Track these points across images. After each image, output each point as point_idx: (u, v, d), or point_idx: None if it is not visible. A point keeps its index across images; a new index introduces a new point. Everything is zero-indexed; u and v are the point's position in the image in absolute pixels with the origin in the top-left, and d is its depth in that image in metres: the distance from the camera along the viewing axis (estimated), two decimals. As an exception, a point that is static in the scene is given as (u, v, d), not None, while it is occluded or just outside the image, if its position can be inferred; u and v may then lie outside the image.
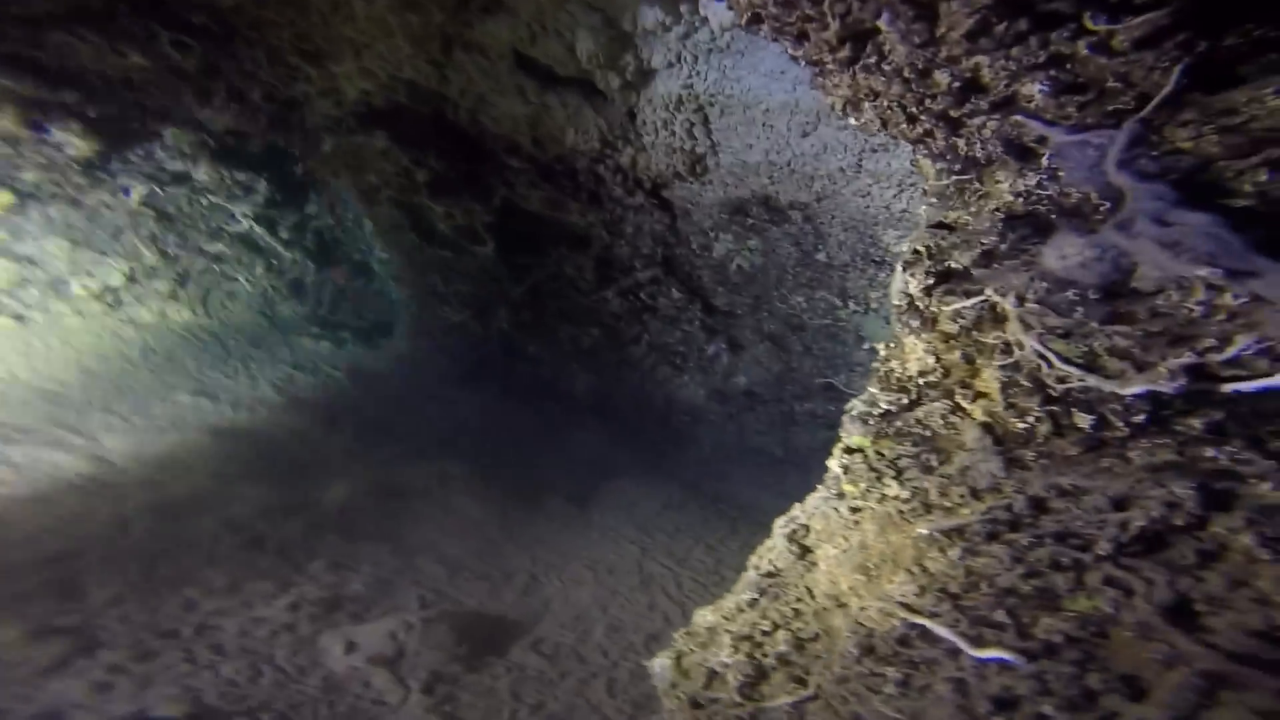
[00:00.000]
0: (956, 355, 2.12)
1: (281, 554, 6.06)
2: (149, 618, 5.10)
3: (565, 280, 7.87)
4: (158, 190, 8.72)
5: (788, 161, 5.16)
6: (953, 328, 2.13)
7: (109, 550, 5.71)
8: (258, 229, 9.52)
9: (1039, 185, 1.66)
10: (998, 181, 1.85)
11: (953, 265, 2.14)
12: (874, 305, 5.85)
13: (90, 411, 7.78)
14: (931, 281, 2.20)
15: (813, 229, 5.70)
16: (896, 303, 2.37)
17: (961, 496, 2.11)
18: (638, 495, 7.65)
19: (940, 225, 2.20)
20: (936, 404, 2.19)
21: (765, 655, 2.89)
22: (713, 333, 7.53)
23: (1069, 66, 1.44)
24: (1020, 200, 1.77)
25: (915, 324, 2.29)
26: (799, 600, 2.94)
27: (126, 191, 8.56)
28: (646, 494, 7.66)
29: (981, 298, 1.97)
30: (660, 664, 3.29)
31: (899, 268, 2.37)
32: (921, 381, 2.27)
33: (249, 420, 8.27)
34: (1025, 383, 1.81)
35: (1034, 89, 1.50)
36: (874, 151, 4.55)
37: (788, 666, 2.84)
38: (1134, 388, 1.40)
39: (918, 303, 2.29)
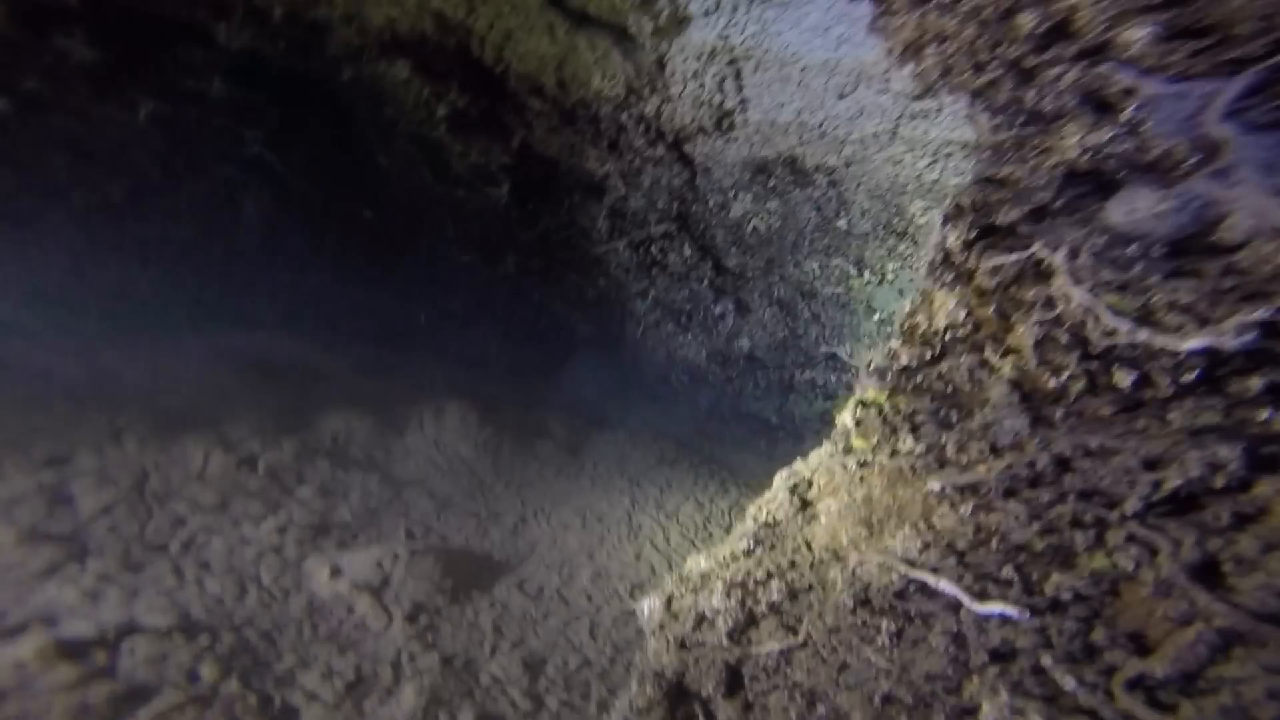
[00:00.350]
0: (990, 310, 2.09)
1: (272, 476, 6.06)
2: (138, 530, 5.11)
3: (577, 229, 7.75)
4: (166, 106, 8.45)
5: (819, 123, 5.03)
6: (990, 283, 2.09)
7: (100, 459, 5.69)
8: (268, 155, 9.30)
9: (1113, 140, 1.59)
10: (1064, 137, 1.78)
11: (998, 221, 2.09)
12: (890, 277, 5.78)
13: (86, 317, 7.70)
14: (973, 236, 2.16)
15: (836, 194, 5.60)
16: (931, 257, 2.33)
17: (980, 452, 2.09)
18: (631, 448, 7.68)
19: (989, 180, 2.15)
20: (963, 359, 2.16)
21: (757, 602, 2.90)
22: (721, 293, 7.47)
23: (1193, 7, 1.35)
24: (1087, 156, 1.70)
25: (949, 278, 2.25)
26: (796, 551, 2.94)
27: (134, 105, 8.30)
28: (640, 447, 7.69)
29: (1027, 253, 1.93)
30: (648, 605, 3.31)
31: (938, 221, 2.32)
32: (948, 336, 2.24)
33: (248, 342, 8.21)
34: (1064, 338, 1.78)
35: (1138, 34, 1.41)
36: (912, 118, 4.43)
37: (779, 615, 2.86)
38: (1193, 342, 1.37)
39: (954, 257, 2.24)
